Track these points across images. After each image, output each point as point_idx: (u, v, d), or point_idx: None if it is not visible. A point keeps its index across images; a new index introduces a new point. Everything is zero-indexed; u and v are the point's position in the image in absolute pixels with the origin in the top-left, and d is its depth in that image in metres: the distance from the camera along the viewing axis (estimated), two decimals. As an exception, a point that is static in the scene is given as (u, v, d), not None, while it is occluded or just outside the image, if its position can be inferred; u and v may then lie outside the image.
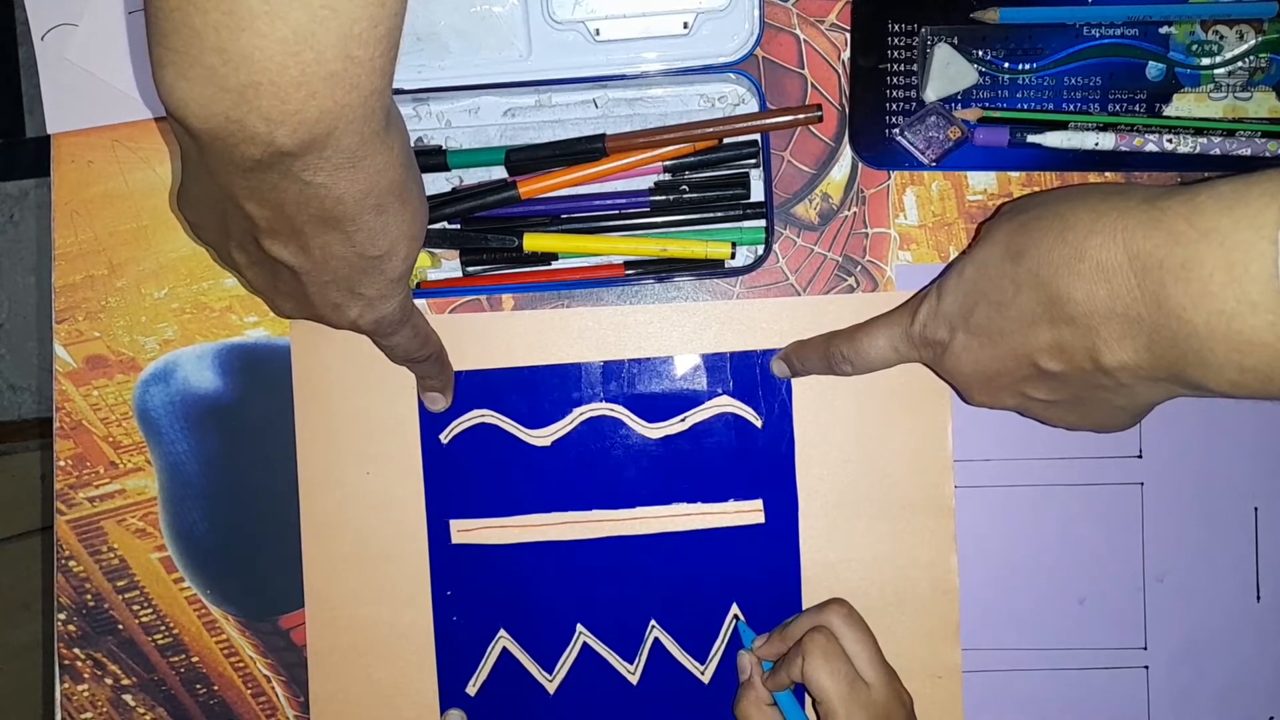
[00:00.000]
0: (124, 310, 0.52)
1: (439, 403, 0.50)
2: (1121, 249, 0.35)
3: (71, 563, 0.52)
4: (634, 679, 0.52)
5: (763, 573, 0.51)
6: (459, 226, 0.50)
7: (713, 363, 0.51)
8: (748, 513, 0.51)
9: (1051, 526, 0.51)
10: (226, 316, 0.52)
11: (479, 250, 0.50)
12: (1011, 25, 0.49)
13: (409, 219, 0.38)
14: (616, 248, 0.49)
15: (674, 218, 0.50)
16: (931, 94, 0.49)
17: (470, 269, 0.51)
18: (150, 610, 0.52)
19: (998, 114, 0.49)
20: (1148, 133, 0.49)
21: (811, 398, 0.51)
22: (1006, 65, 0.49)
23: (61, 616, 0.52)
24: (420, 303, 0.51)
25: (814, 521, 0.51)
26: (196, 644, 0.53)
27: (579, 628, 0.52)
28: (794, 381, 0.51)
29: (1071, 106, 0.49)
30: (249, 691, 0.53)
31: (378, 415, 0.51)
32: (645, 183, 0.50)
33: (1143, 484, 0.51)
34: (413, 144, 0.41)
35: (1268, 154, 0.48)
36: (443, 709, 0.52)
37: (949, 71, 0.49)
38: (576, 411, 0.51)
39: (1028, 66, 0.49)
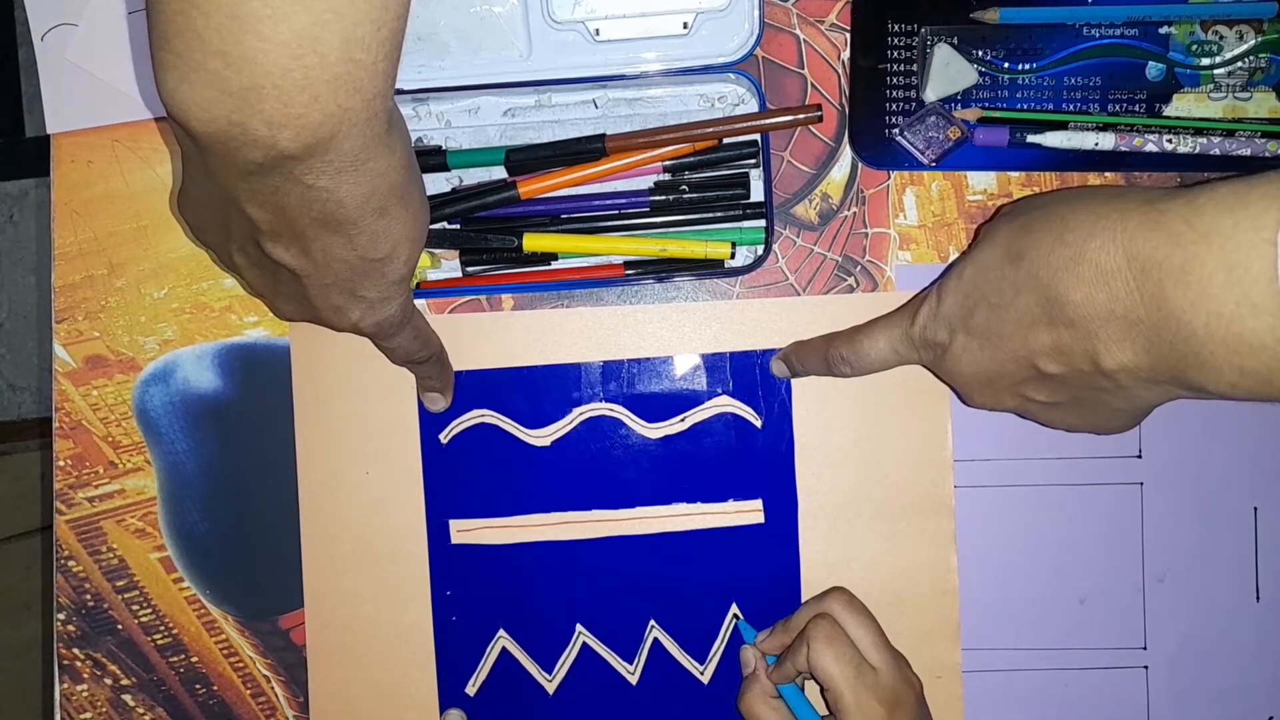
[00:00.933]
0: (124, 310, 0.52)
1: (439, 403, 0.50)
2: (1121, 251, 0.35)
3: (71, 563, 0.52)
4: (633, 679, 0.52)
5: (762, 573, 0.51)
6: (459, 226, 0.50)
7: (712, 363, 0.51)
8: (747, 513, 0.51)
9: (1051, 527, 0.51)
10: (226, 316, 0.52)
11: (479, 250, 0.50)
12: (1011, 25, 0.49)
13: (410, 221, 0.38)
14: (616, 248, 0.49)
15: (674, 218, 0.50)
16: (931, 94, 0.49)
17: (470, 269, 0.51)
18: (150, 610, 0.52)
19: (998, 114, 0.49)
20: (1148, 133, 0.49)
21: (811, 398, 0.51)
22: (1006, 65, 0.49)
23: (61, 616, 0.52)
24: (420, 303, 0.51)
25: (813, 521, 0.51)
26: (196, 644, 0.53)
27: (578, 628, 0.52)
28: (794, 381, 0.51)
29: (1071, 106, 0.49)
30: (248, 691, 0.53)
31: (377, 415, 0.51)
32: (645, 183, 0.50)
33: (1142, 484, 0.51)
34: (412, 144, 0.41)
35: (1268, 154, 0.48)
36: (442, 709, 0.52)
37: (949, 71, 0.49)
38: (576, 411, 0.51)
39: (1028, 66, 0.49)
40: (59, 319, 0.52)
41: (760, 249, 0.50)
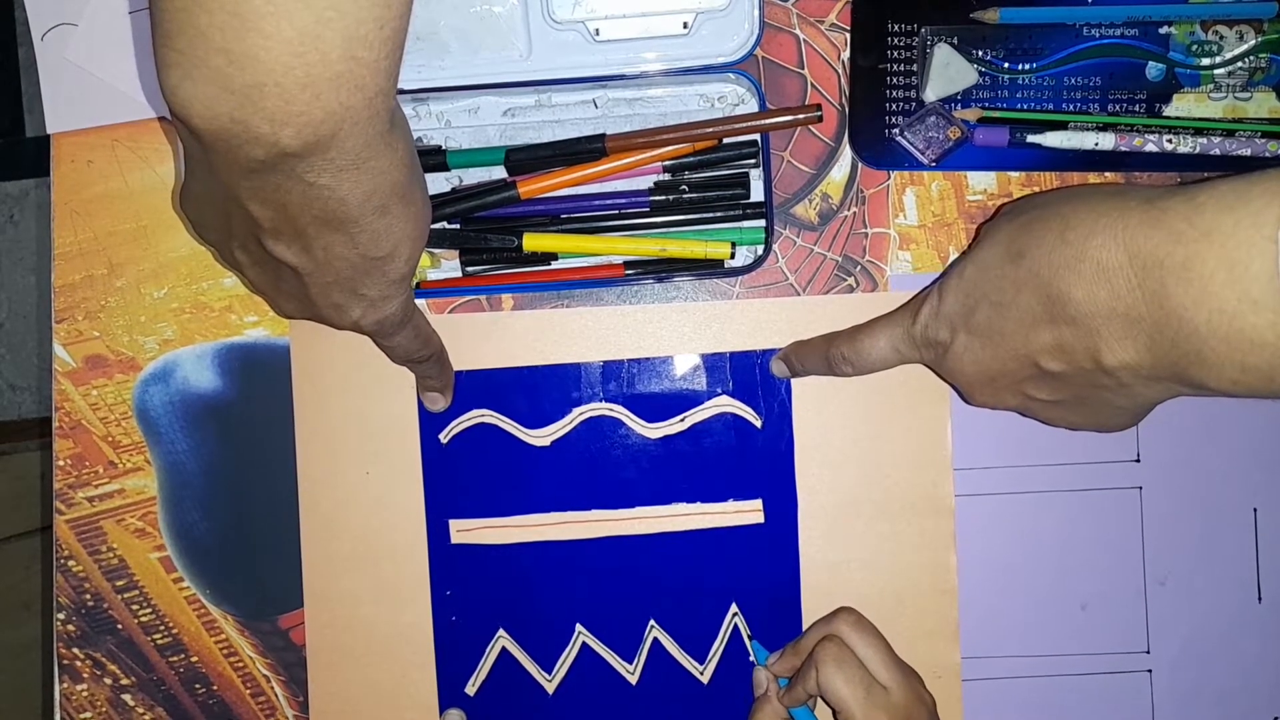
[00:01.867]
0: (123, 310, 0.52)
1: (439, 403, 0.50)
2: (1122, 249, 0.35)
3: (71, 562, 0.52)
4: (633, 679, 0.52)
5: (762, 573, 0.51)
6: (459, 226, 0.50)
7: (712, 363, 0.51)
8: (747, 513, 0.51)
9: (1051, 532, 0.51)
10: (226, 316, 0.52)
11: (479, 250, 0.50)
12: (1011, 25, 0.49)
13: (412, 220, 0.38)
14: (616, 248, 0.49)
15: (674, 218, 0.50)
16: (931, 94, 0.49)
17: (470, 269, 0.51)
18: (149, 610, 0.52)
19: (997, 114, 0.49)
20: (1148, 133, 0.49)
21: (811, 398, 0.51)
22: (1006, 65, 0.49)
23: (61, 616, 0.52)
24: (420, 303, 0.51)
25: (813, 521, 0.51)
26: (196, 644, 0.53)
27: (578, 628, 0.52)
28: (794, 381, 0.51)
29: (1071, 106, 0.49)
30: (248, 691, 0.53)
31: (377, 415, 0.51)
32: (645, 183, 0.50)
33: (1141, 488, 0.51)
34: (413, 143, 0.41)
35: (1268, 154, 0.48)
36: (442, 709, 0.52)
37: (949, 71, 0.49)
38: (576, 411, 0.51)
39: (1028, 66, 0.49)
40: (59, 319, 0.52)
41: (760, 249, 0.50)
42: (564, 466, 0.51)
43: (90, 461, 0.52)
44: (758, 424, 0.51)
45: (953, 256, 0.51)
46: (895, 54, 0.49)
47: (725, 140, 0.49)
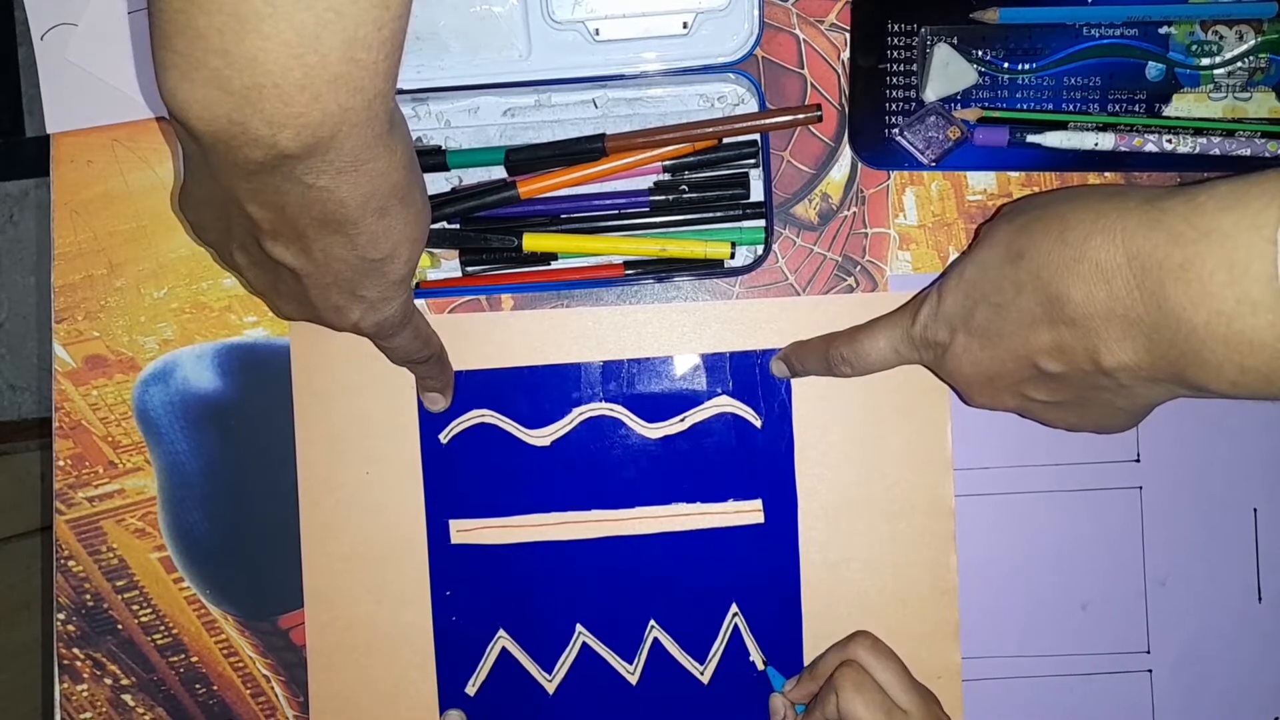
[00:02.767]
0: (123, 310, 0.52)
1: (439, 403, 0.50)
2: (1121, 250, 0.35)
3: (71, 563, 0.52)
4: (633, 679, 0.52)
5: (762, 573, 0.51)
6: (459, 226, 0.50)
7: (712, 363, 0.51)
8: (747, 513, 0.51)
9: (1052, 533, 0.51)
10: (226, 316, 0.52)
11: (479, 250, 0.50)
12: (1011, 25, 0.49)
13: (411, 222, 0.38)
14: (616, 248, 0.49)
15: (674, 218, 0.50)
16: (931, 94, 0.49)
17: (470, 269, 0.51)
18: (149, 610, 0.52)
19: (997, 114, 0.49)
20: (1147, 133, 0.49)
21: (811, 398, 0.51)
22: (1006, 65, 0.49)
23: (61, 616, 0.52)
24: (420, 303, 0.51)
25: (813, 521, 0.51)
26: (196, 644, 0.53)
27: (578, 628, 0.52)
28: (794, 381, 0.51)
29: (1071, 106, 0.49)
30: (248, 691, 0.53)
31: (377, 415, 0.51)
32: (645, 183, 0.50)
33: (1141, 488, 0.51)
34: (413, 143, 0.41)
35: (1267, 154, 0.48)
36: (442, 709, 0.52)
37: (949, 71, 0.49)
38: (576, 411, 0.51)
39: (1027, 66, 0.49)
40: (59, 319, 0.52)
41: (760, 249, 0.50)
42: (564, 466, 0.51)
43: (90, 461, 0.52)
44: (758, 424, 0.51)
45: (953, 257, 0.51)
46: (895, 54, 0.49)
47: (725, 140, 0.49)
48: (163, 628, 0.52)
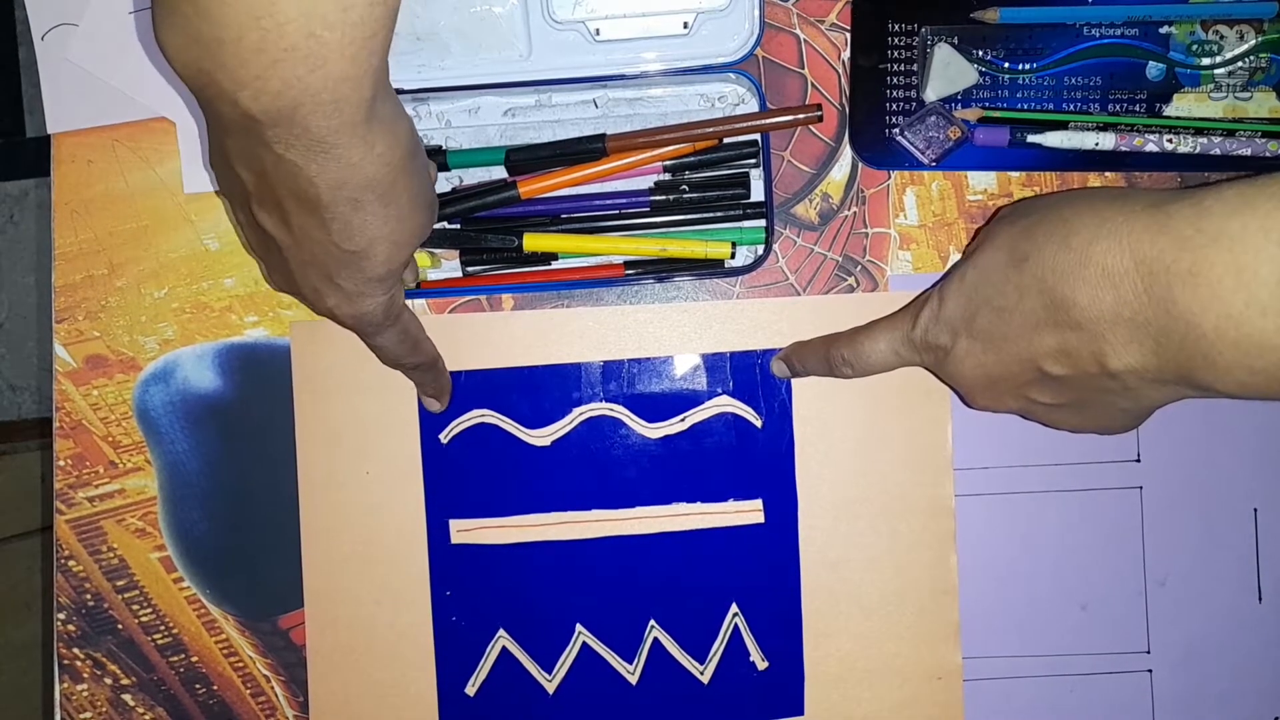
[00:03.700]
0: (124, 310, 0.52)
1: (434, 406, 0.51)
2: (1128, 254, 0.35)
3: (71, 562, 0.52)
4: (633, 679, 0.52)
5: (762, 573, 0.51)
6: (459, 226, 0.50)
7: (713, 363, 0.51)
8: (747, 513, 0.51)
9: (1051, 533, 0.51)
10: (226, 316, 0.52)
11: (479, 250, 0.50)
12: (1011, 25, 0.49)
13: (391, 221, 0.38)
14: (616, 248, 0.49)
15: (674, 218, 0.50)
16: (931, 94, 0.49)
17: (470, 269, 0.51)
18: (150, 610, 0.52)
19: (998, 114, 0.49)
20: (1148, 133, 0.49)
21: (811, 398, 0.51)
22: (1006, 65, 0.49)
23: (61, 616, 0.52)
24: (420, 303, 0.51)
25: (814, 521, 0.51)
26: (196, 644, 0.53)
27: (578, 628, 0.52)
28: (794, 381, 0.51)
29: (1071, 106, 0.49)
30: (248, 691, 0.53)
31: (378, 415, 0.51)
32: (645, 183, 0.50)
33: (1141, 488, 0.51)
34: (416, 148, 0.41)
35: (1268, 154, 0.48)
36: (442, 709, 0.52)
37: (949, 71, 0.49)
38: (576, 411, 0.51)
39: (1028, 66, 0.49)
40: (59, 319, 0.52)
41: (760, 249, 0.50)
42: (564, 466, 0.51)
43: (90, 461, 0.52)
44: (758, 424, 0.51)
45: (953, 256, 0.51)
46: (895, 54, 0.49)
47: (725, 140, 0.49)
48: (163, 628, 0.52)
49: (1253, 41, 0.48)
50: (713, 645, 0.52)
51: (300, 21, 0.30)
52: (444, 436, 0.51)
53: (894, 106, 0.50)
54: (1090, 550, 0.51)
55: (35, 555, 1.16)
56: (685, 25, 0.48)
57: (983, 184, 0.51)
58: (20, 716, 1.14)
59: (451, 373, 0.51)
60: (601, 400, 0.51)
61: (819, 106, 0.48)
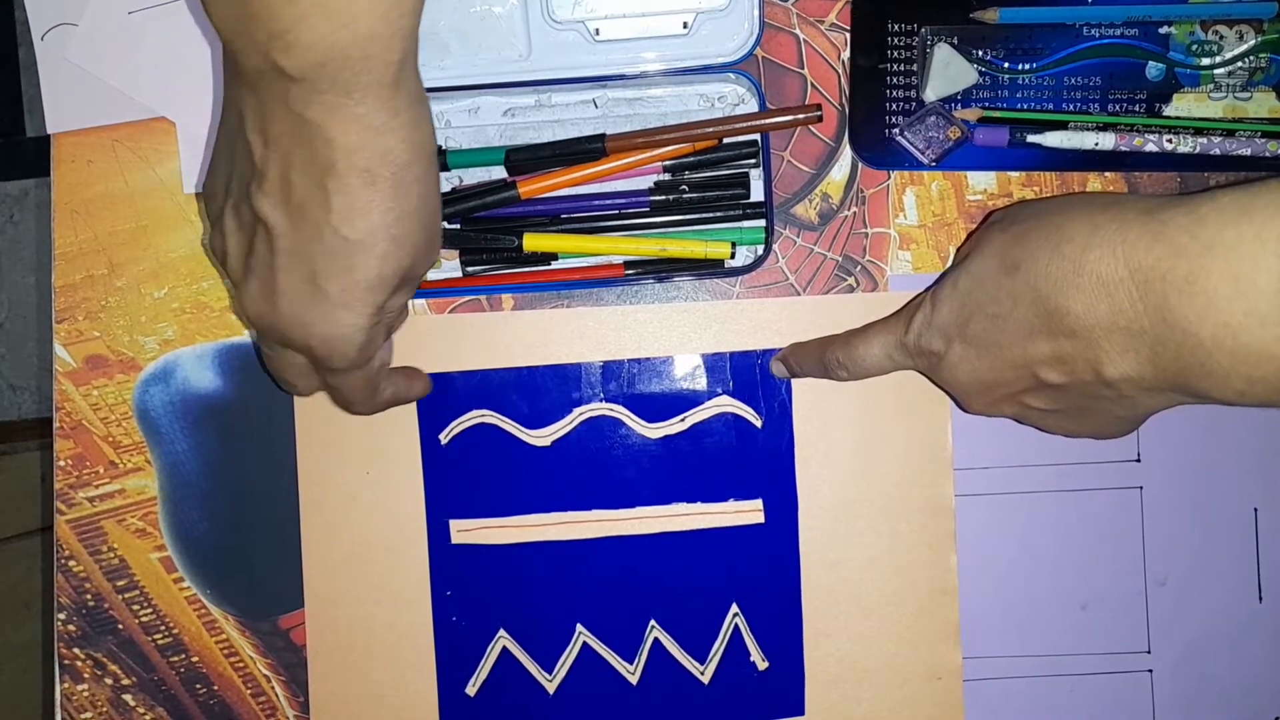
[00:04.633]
0: (124, 310, 0.52)
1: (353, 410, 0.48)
2: (1122, 263, 0.34)
3: (71, 563, 0.52)
4: (634, 679, 0.52)
5: (762, 573, 0.51)
6: (459, 226, 0.50)
7: (712, 363, 0.51)
8: (747, 513, 0.51)
9: (1051, 533, 0.51)
10: (226, 316, 0.52)
11: (479, 250, 0.50)
12: (1011, 25, 0.49)
13: (397, 212, 0.36)
14: (616, 248, 0.49)
15: (674, 218, 0.50)
16: (931, 94, 0.49)
17: (470, 269, 0.51)
18: (150, 610, 0.52)
19: (998, 114, 0.49)
20: (1148, 133, 0.49)
21: (812, 398, 0.51)
22: (1006, 65, 0.49)
23: (61, 616, 0.52)
24: (420, 303, 0.51)
25: (814, 521, 0.51)
26: (196, 644, 0.53)
27: (579, 628, 0.52)
28: (794, 381, 0.51)
29: (1071, 106, 0.49)
30: (249, 691, 0.53)
31: (377, 415, 0.51)
32: (645, 183, 0.50)
33: (1142, 488, 0.51)
34: (432, 144, 0.40)
35: (1268, 154, 0.48)
36: (442, 709, 0.52)
37: (949, 71, 0.49)
38: (576, 411, 0.51)
39: (1028, 66, 0.49)
40: (59, 319, 0.52)
41: (760, 249, 0.50)
42: (564, 466, 0.51)
43: (91, 462, 0.52)
44: (758, 424, 0.51)
45: (953, 257, 0.51)
46: (895, 54, 0.49)
47: (725, 140, 0.49)
48: (163, 628, 0.52)
49: (1252, 41, 0.48)
50: (713, 645, 0.52)
51: None
52: (444, 437, 0.51)
53: (894, 106, 0.50)
54: (1090, 550, 0.51)
55: (35, 555, 1.16)
56: (685, 25, 0.48)
57: (983, 184, 0.51)
58: (20, 716, 1.14)
59: (451, 373, 0.51)
60: (601, 400, 0.51)
61: (819, 106, 0.48)
